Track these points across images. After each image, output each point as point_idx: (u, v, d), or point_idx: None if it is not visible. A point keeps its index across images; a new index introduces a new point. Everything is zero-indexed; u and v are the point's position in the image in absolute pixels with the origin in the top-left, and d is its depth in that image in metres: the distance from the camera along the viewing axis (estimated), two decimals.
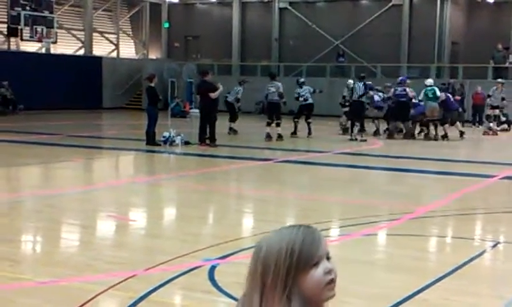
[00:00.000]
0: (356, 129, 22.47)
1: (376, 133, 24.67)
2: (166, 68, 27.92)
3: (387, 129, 24.21)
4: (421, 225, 9.48)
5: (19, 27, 34.02)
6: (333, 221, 9.75)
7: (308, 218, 8.98)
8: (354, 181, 14.69)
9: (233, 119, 24.05)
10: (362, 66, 35.64)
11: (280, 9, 41.26)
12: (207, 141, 19.48)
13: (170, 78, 27.50)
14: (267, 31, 41.19)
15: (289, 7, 41.06)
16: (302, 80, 24.72)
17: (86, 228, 9.19)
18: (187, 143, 19.68)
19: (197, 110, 23.90)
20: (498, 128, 28.27)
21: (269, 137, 21.75)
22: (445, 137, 23.32)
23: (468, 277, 6.94)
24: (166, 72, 32.34)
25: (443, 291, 6.38)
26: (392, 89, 24.07)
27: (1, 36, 36.55)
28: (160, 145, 19.12)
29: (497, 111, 27.22)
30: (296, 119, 23.59)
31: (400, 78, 25.11)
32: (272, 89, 22.19)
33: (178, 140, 19.51)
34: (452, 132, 23.59)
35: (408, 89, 23.68)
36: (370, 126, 23.88)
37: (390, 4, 38.31)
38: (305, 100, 23.46)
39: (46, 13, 35.18)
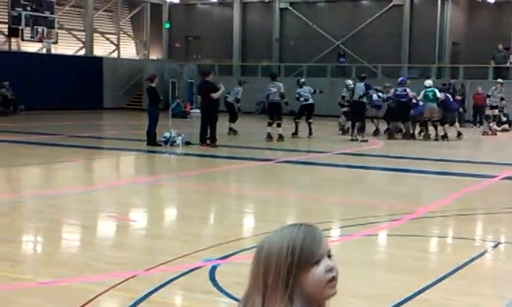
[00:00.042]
0: (356, 129, 22.49)
1: (376, 132, 24.69)
2: (167, 69, 27.98)
3: (388, 129, 24.22)
4: (422, 225, 9.48)
5: (20, 28, 34.07)
6: (334, 221, 9.75)
7: (308, 218, 8.97)
8: (355, 181, 14.69)
9: (233, 119, 24.05)
10: (363, 66, 35.64)
11: (281, 9, 41.28)
12: (208, 142, 19.48)
13: (171, 79, 27.56)
14: (268, 31, 41.20)
15: (290, 8, 41.07)
16: (302, 80, 24.72)
17: (87, 228, 9.19)
18: (187, 143, 19.68)
19: (198, 111, 23.92)
20: (499, 129, 28.28)
21: (269, 137, 21.76)
22: (444, 137, 23.34)
23: (469, 278, 6.94)
24: (166, 72, 32.38)
25: (444, 291, 6.37)
26: (392, 89, 24.08)
27: (2, 36, 36.57)
28: (161, 145, 19.12)
29: (496, 111, 27.22)
30: (296, 120, 23.59)
31: (400, 78, 25.12)
32: (274, 90, 22.19)
33: (179, 140, 19.51)
34: (451, 132, 23.61)
35: (408, 90, 23.70)
36: (369, 126, 23.88)
37: (391, 5, 38.32)
38: (306, 100, 23.48)
39: (47, 14, 35.23)
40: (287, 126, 22.83)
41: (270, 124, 22.14)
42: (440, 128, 23.42)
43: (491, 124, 27.04)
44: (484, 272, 7.45)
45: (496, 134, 26.51)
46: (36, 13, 34.56)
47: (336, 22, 39.19)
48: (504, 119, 29.25)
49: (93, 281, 6.39)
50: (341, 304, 5.48)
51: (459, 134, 23.87)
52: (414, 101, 23.65)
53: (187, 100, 36.05)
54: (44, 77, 34.21)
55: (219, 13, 43.35)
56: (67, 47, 39.52)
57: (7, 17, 34.79)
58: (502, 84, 27.37)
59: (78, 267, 6.93)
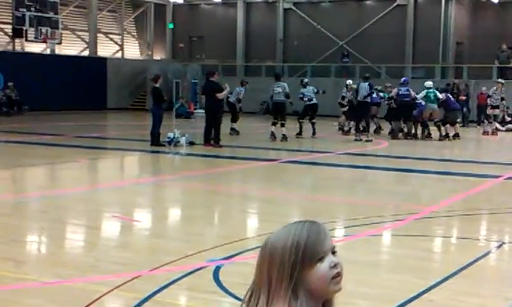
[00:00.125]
0: (360, 129, 22.50)
1: (377, 131, 24.69)
2: (171, 69, 27.99)
3: (391, 130, 24.22)
4: (426, 225, 9.47)
5: (24, 28, 34.12)
6: (338, 222, 9.74)
7: (312, 218, 8.92)
8: (359, 181, 14.68)
9: (234, 119, 24.05)
10: (367, 66, 35.61)
11: (285, 9, 41.27)
12: (212, 142, 19.48)
13: (175, 79, 27.54)
14: (272, 31, 41.19)
15: (293, 8, 41.06)
16: (306, 80, 24.73)
17: (91, 228, 9.20)
18: (191, 144, 19.68)
19: (201, 111, 23.91)
20: (503, 128, 28.27)
21: (273, 136, 21.76)
22: (446, 137, 23.37)
23: (474, 278, 6.93)
24: (170, 73, 32.40)
25: (449, 291, 6.36)
26: (395, 89, 24.06)
27: (6, 37, 36.62)
28: (164, 146, 19.12)
29: (497, 111, 27.17)
30: (300, 120, 23.59)
31: (403, 78, 25.09)
32: (279, 90, 22.18)
33: (182, 140, 19.52)
34: (450, 132, 23.67)
35: (411, 90, 23.71)
36: (370, 125, 23.85)
37: (395, 5, 38.29)
38: (310, 100, 23.48)
39: (51, 14, 35.29)
40: (291, 126, 22.82)
41: (274, 124, 22.14)
42: (442, 128, 23.45)
43: (497, 124, 27.01)
44: (488, 272, 7.43)
45: (497, 134, 26.50)
46: (40, 14, 34.61)
47: (340, 22, 39.18)
48: (509, 119, 29.23)
49: (97, 281, 6.40)
50: (345, 304, 5.48)
51: (456, 135, 23.86)
52: (417, 101, 23.65)
53: (191, 100, 36.07)
54: (48, 78, 34.26)
55: (222, 13, 43.36)
56: (71, 47, 39.56)
57: (11, 18, 34.86)
58: (502, 84, 27.34)
59: (82, 267, 6.93)
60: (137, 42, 45.48)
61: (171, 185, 13.50)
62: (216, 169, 15.92)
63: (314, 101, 23.52)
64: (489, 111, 27.18)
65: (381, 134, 24.62)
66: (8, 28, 35.76)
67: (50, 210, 10.26)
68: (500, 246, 8.58)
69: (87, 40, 39.79)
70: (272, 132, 21.90)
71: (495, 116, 27.18)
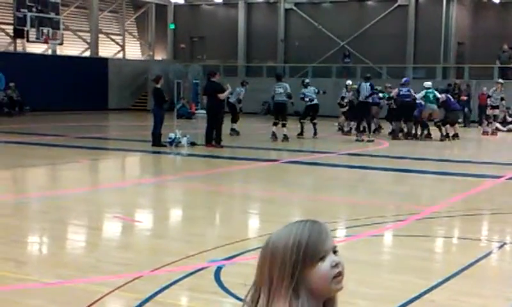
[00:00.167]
0: (361, 130, 22.52)
1: (376, 131, 24.71)
2: (172, 69, 27.99)
3: (392, 130, 24.23)
4: (427, 226, 9.46)
5: (25, 29, 34.15)
6: (339, 222, 9.74)
7: (314, 219, 8.91)
8: (360, 181, 14.68)
9: (234, 120, 24.06)
10: (368, 66, 35.61)
11: (286, 10, 41.27)
12: (213, 142, 19.47)
13: (176, 80, 27.57)
14: (273, 31, 41.19)
15: (295, 8, 41.06)
16: (307, 80, 24.75)
17: (92, 229, 9.20)
18: (193, 144, 19.68)
19: (203, 111, 23.90)
20: (505, 129, 28.28)
21: (274, 136, 21.76)
22: (446, 137, 23.40)
23: (475, 278, 6.92)
24: (172, 73, 32.41)
25: (450, 292, 6.36)
26: (396, 90, 24.05)
27: (8, 37, 36.65)
28: (166, 146, 19.12)
29: (497, 111, 27.15)
30: (302, 120, 23.59)
31: (404, 79, 25.07)
32: (280, 90, 22.18)
33: (184, 141, 19.52)
34: (450, 132, 23.69)
35: (412, 90, 23.71)
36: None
37: (396, 5, 38.28)
38: (311, 100, 23.48)
39: (52, 15, 35.32)
40: (292, 126, 22.82)
41: (275, 124, 22.14)
42: (442, 128, 23.49)
43: (492, 124, 27.01)
44: (490, 273, 7.42)
45: (496, 134, 26.53)
46: (42, 14, 34.64)
47: (341, 23, 39.17)
48: (510, 119, 29.22)
49: (99, 282, 6.40)
50: (346, 304, 5.47)
51: (456, 135, 23.89)
52: (417, 101, 23.67)
53: (192, 100, 36.09)
54: (49, 78, 34.28)
55: (224, 14, 43.37)
56: (72, 47, 39.59)
57: (12, 18, 34.88)
58: (502, 84, 27.35)
59: (83, 268, 6.93)
60: (138, 43, 45.51)
61: (173, 185, 13.50)
62: (217, 169, 15.91)
63: (315, 101, 23.52)
64: (489, 111, 27.18)
65: (380, 134, 24.60)
66: (10, 29, 35.79)
67: (52, 210, 10.26)
68: (501, 246, 8.57)
69: (88, 41, 39.81)
70: (273, 132, 21.92)
71: (495, 116, 27.17)
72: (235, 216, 10.45)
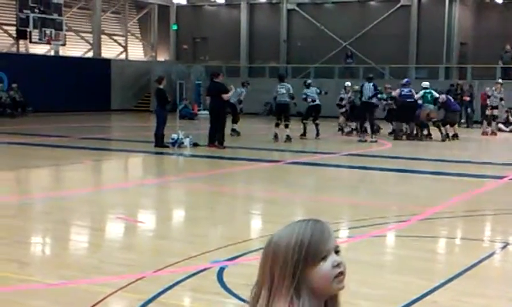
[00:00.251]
0: (364, 130, 22.53)
1: (376, 131, 24.74)
2: (175, 70, 28.00)
3: (393, 131, 24.25)
4: (430, 226, 9.45)
5: (28, 30, 34.17)
6: (342, 222, 9.73)
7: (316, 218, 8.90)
8: (363, 182, 14.68)
9: (235, 120, 24.07)
10: (370, 67, 35.60)
11: (288, 10, 41.28)
12: (216, 143, 19.48)
13: (179, 80, 27.58)
14: (275, 32, 41.20)
15: (297, 9, 41.07)
16: (309, 81, 24.78)
17: (95, 229, 9.20)
18: (195, 145, 19.69)
19: (205, 112, 23.91)
20: (507, 129, 28.26)
21: (276, 137, 21.76)
22: (446, 137, 23.43)
23: (478, 279, 6.92)
24: (174, 74, 32.42)
25: (453, 292, 6.35)
26: (398, 90, 24.03)
27: (10, 38, 36.70)
28: (168, 147, 19.13)
29: (496, 111, 27.12)
30: (304, 121, 23.59)
31: (405, 79, 25.05)
32: (282, 91, 22.19)
33: (186, 142, 19.52)
34: (450, 132, 23.70)
35: (413, 91, 23.71)
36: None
37: (399, 5, 38.27)
38: (313, 101, 23.49)
39: (55, 16, 35.35)
40: (294, 127, 22.82)
41: (277, 125, 22.14)
42: (442, 129, 23.53)
43: (492, 124, 27.01)
44: (492, 273, 7.42)
45: (496, 134, 26.53)
46: (44, 15, 34.67)
47: (344, 23, 39.17)
48: None
49: (101, 283, 6.40)
50: (347, 304, 5.48)
51: (455, 136, 23.91)
52: (419, 102, 23.68)
53: (195, 101, 36.11)
54: (52, 79, 34.32)
55: (226, 15, 43.39)
56: (75, 48, 39.63)
57: (15, 19, 34.92)
58: (501, 84, 27.33)
59: (86, 269, 6.94)
60: (141, 43, 45.54)
61: (175, 186, 13.51)
62: (220, 170, 15.92)
63: (317, 102, 23.53)
64: (488, 112, 27.16)
65: (380, 134, 24.57)
66: (12, 30, 35.83)
67: (55, 211, 10.28)
68: (504, 247, 8.56)
69: (91, 42, 39.86)
70: (275, 133, 21.91)
71: (494, 117, 27.13)
72: (238, 217, 10.46)
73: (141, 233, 9.09)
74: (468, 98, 30.73)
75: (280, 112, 22.46)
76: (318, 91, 23.83)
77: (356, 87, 24.35)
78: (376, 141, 22.11)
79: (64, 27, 36.42)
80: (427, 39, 37.11)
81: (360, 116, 23.28)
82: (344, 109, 25.44)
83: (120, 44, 42.92)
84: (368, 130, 22.68)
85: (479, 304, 6.19)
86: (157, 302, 5.84)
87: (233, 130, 23.74)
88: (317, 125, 23.35)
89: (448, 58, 37.13)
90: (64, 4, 36.79)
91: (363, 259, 7.39)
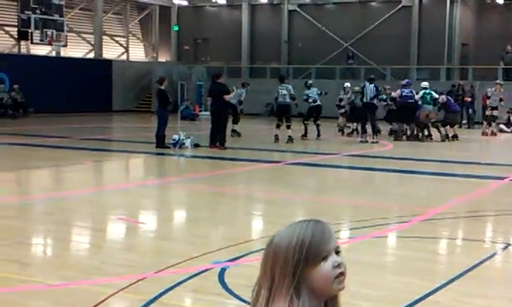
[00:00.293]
0: (366, 131, 22.55)
1: (378, 132, 24.73)
2: (176, 71, 28.00)
3: (394, 131, 24.24)
4: (431, 227, 9.45)
5: (29, 31, 34.18)
6: (343, 223, 9.73)
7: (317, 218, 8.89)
8: (364, 183, 14.67)
9: (235, 121, 24.08)
10: (372, 68, 35.58)
11: (289, 11, 41.29)
12: (217, 144, 19.48)
13: (180, 81, 27.58)
14: (277, 33, 41.21)
15: (298, 10, 41.07)
16: (310, 82, 24.79)
17: (96, 230, 9.20)
18: (196, 146, 19.69)
19: (206, 113, 23.92)
20: (509, 130, 28.25)
21: (277, 139, 21.76)
22: (446, 137, 23.44)
23: (479, 280, 6.92)
24: (175, 75, 32.42)
25: (454, 293, 6.35)
26: (399, 91, 24.02)
27: (12, 39, 36.72)
28: (169, 148, 19.14)
29: (496, 112, 27.11)
30: (305, 122, 23.58)
31: (406, 80, 25.03)
32: (284, 92, 22.19)
33: (187, 143, 19.52)
34: (450, 133, 23.69)
35: (414, 91, 23.71)
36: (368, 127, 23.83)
37: (400, 6, 38.27)
38: (314, 101, 23.51)
39: (56, 17, 35.37)
40: (295, 128, 22.81)
41: (278, 126, 22.12)
42: (442, 129, 23.55)
43: (493, 124, 27.01)
44: (494, 274, 7.41)
45: (496, 135, 26.53)
46: (46, 16, 34.68)
47: (345, 24, 39.16)
48: None
49: (103, 284, 6.41)
50: (347, 304, 5.48)
51: (455, 136, 23.91)
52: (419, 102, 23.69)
53: (196, 102, 36.11)
54: (53, 80, 34.34)
55: (227, 16, 43.39)
56: (76, 49, 39.66)
57: (16, 20, 34.94)
58: (501, 85, 27.32)
59: (87, 269, 6.94)
60: (142, 44, 45.57)
61: (176, 187, 13.51)
62: (221, 171, 15.91)
63: (318, 102, 23.54)
64: (488, 112, 27.15)
65: (381, 135, 24.56)
66: (14, 31, 35.85)
67: (56, 212, 10.28)
68: (505, 248, 8.55)
69: (92, 42, 39.87)
70: (276, 134, 21.88)
71: (493, 117, 27.12)
72: (239, 217, 10.46)
73: (142, 234, 9.09)
74: (469, 99, 30.71)
75: (281, 113, 22.46)
76: (319, 91, 23.85)
77: (356, 88, 24.34)
78: (377, 142, 22.11)
79: (66, 28, 36.44)
80: (428, 40, 37.09)
81: (361, 116, 23.27)
82: (343, 110, 25.47)
83: (121, 45, 42.94)
84: (369, 130, 22.67)
85: (480, 304, 6.19)
86: (158, 303, 5.84)
87: (233, 130, 23.75)
88: (318, 125, 23.35)
89: (450, 59, 37.12)
90: (66, 5, 36.81)
91: (364, 260, 7.38)
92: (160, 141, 19.25)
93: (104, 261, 7.33)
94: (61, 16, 35.89)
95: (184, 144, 19.45)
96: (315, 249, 1.89)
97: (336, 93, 27.49)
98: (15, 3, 35.14)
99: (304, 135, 23.28)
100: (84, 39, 40.45)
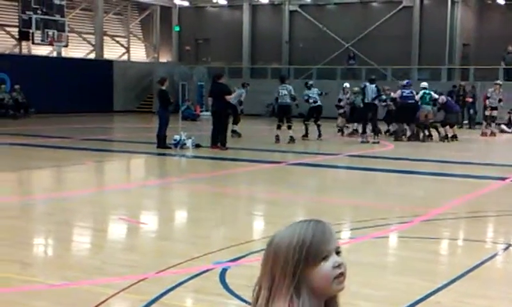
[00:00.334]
0: (366, 131, 22.55)
1: (379, 132, 24.72)
2: (177, 71, 28.00)
3: (394, 131, 24.25)
4: (432, 227, 9.45)
5: (30, 31, 34.22)
6: (344, 224, 9.73)
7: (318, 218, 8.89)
8: (365, 183, 14.67)
9: (236, 121, 24.08)
10: (373, 68, 35.58)
11: (290, 11, 41.30)
12: (218, 144, 19.48)
13: (181, 82, 27.59)
14: (278, 33, 41.22)
15: (299, 10, 41.08)
16: (311, 82, 24.81)
17: (97, 230, 9.21)
18: (197, 146, 19.70)
19: (207, 113, 23.92)
20: (510, 130, 28.25)
21: (278, 139, 21.75)
22: (445, 138, 23.45)
23: (481, 280, 6.91)
24: (177, 75, 32.43)
25: (455, 294, 6.35)
26: (399, 91, 24.02)
27: (13, 39, 36.73)
28: (171, 148, 19.15)
29: (495, 112, 27.10)
30: (306, 122, 23.58)
31: (406, 81, 25.02)
32: (284, 92, 22.19)
33: (189, 143, 19.53)
34: (449, 133, 23.70)
35: (414, 92, 23.71)
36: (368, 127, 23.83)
37: (401, 6, 38.27)
38: (315, 102, 23.51)
39: (57, 17, 35.40)
40: (296, 128, 22.81)
41: (279, 127, 22.12)
42: (441, 129, 23.56)
43: (493, 125, 27.02)
44: (495, 275, 7.41)
45: (495, 135, 26.53)
46: (47, 17, 34.71)
47: (346, 24, 39.16)
48: None
49: (104, 284, 6.41)
50: (347, 305, 5.48)
51: (454, 137, 23.93)
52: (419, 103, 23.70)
53: (197, 102, 36.12)
54: (54, 80, 34.36)
55: (228, 16, 43.40)
56: (77, 50, 39.67)
57: (17, 21, 34.96)
58: (500, 85, 27.32)
59: (88, 270, 6.94)
60: (143, 45, 45.57)
61: (178, 187, 13.51)
62: (222, 171, 15.91)
63: (319, 103, 23.55)
64: (487, 112, 27.15)
65: (382, 135, 24.57)
66: (15, 31, 35.88)
67: (57, 212, 10.29)
68: (506, 248, 8.56)
69: (93, 43, 39.88)
70: (277, 135, 21.87)
71: (493, 117, 27.11)
72: (240, 218, 10.46)
73: (144, 234, 9.09)
74: (470, 100, 30.71)
75: (282, 113, 22.47)
76: (319, 92, 23.85)
77: (356, 89, 24.35)
78: (378, 142, 22.12)
79: (67, 29, 36.46)
80: (429, 40, 37.09)
81: (361, 117, 23.27)
82: (342, 110, 25.49)
83: (122, 45, 42.95)
84: (369, 131, 22.67)
85: (481, 305, 6.19)
86: (160, 303, 5.84)
87: (233, 131, 23.75)
88: (318, 126, 23.35)
89: (451, 59, 37.12)
90: (67, 5, 36.85)
91: (365, 260, 7.38)
92: (162, 142, 19.26)
93: (105, 261, 7.34)
94: (62, 16, 35.92)
95: (185, 144, 19.46)
96: (316, 249, 1.90)
97: (337, 93, 27.49)
98: (16, 3, 35.16)
99: (305, 135, 23.29)
100: (85, 39, 40.47)
